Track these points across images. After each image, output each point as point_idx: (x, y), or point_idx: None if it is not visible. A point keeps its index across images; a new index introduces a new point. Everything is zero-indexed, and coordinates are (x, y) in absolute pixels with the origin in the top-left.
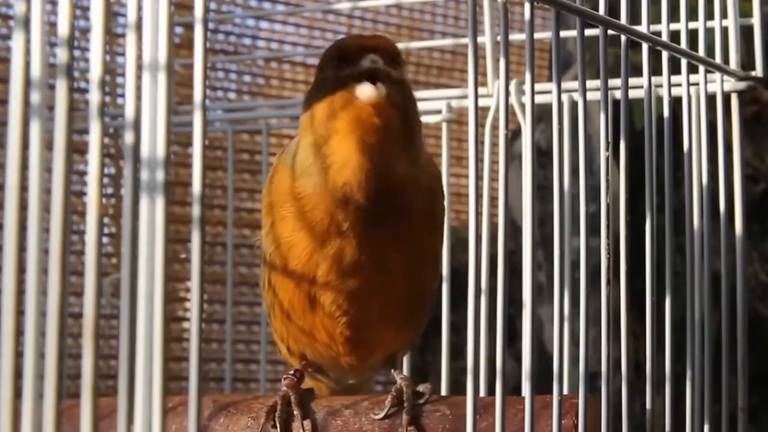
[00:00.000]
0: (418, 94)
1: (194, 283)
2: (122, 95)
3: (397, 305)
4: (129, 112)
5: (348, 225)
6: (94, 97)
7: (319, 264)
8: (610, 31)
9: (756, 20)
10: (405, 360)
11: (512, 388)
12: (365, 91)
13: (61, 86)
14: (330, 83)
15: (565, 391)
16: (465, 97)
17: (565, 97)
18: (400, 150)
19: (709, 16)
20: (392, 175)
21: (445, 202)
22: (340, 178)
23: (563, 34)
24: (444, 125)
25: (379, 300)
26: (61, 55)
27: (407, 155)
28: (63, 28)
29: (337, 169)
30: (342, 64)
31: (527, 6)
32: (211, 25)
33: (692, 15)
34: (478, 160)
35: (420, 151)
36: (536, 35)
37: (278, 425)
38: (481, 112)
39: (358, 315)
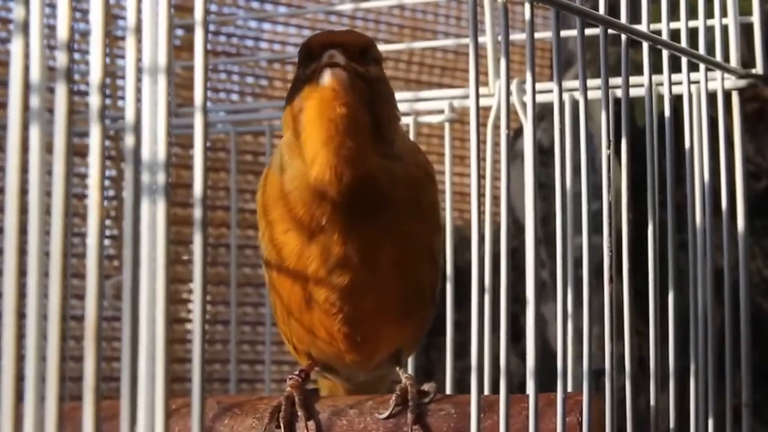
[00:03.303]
0: (422, 94)
1: (196, 285)
2: (123, 98)
3: (393, 300)
4: (129, 115)
5: (327, 220)
6: (94, 100)
7: (310, 262)
8: (610, 31)
9: (756, 18)
10: (410, 359)
11: (517, 386)
12: (324, 78)
13: (61, 89)
14: (299, 81)
15: (570, 389)
16: (467, 96)
17: (566, 96)
18: (370, 141)
19: (709, 14)
20: (363, 165)
21: (447, 198)
22: (313, 171)
23: (564, 33)
24: (446, 125)
25: (372, 295)
26: (61, 58)
27: (379, 147)
28: (62, 32)
29: (308, 163)
30: (308, 60)
31: (527, 6)
32: (213, 27)
33: (692, 13)
34: (480, 159)
35: (396, 144)
36: (537, 35)
37: (282, 426)
38: (482, 112)
39: (353, 311)
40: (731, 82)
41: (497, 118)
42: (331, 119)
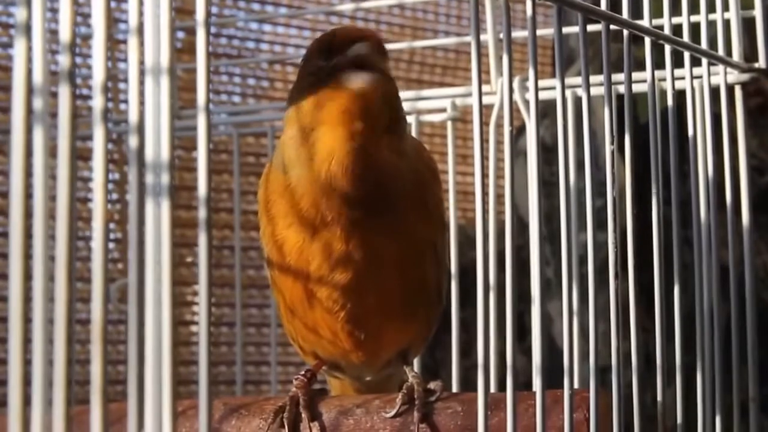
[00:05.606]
0: (424, 93)
1: (201, 287)
2: (125, 101)
3: (396, 297)
4: (132, 117)
5: (333, 215)
6: (97, 103)
7: (311, 259)
8: (612, 26)
9: (758, 12)
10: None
11: (523, 384)
12: (355, 79)
13: (64, 93)
14: (318, 74)
15: (576, 386)
16: (469, 95)
17: (568, 92)
18: (385, 139)
19: (711, 8)
20: (376, 164)
21: (451, 197)
22: (325, 167)
23: (565, 30)
24: (449, 124)
25: (375, 293)
26: (63, 61)
27: (391, 144)
28: (64, 35)
29: (322, 159)
30: (330, 54)
31: (529, 3)
32: (214, 29)
33: (694, 8)
34: (483, 157)
35: (403, 141)
36: (538, 32)
37: (286, 427)
38: (485, 110)
39: (356, 309)
40: (734, 76)
41: (500, 116)
42: (357, 117)
